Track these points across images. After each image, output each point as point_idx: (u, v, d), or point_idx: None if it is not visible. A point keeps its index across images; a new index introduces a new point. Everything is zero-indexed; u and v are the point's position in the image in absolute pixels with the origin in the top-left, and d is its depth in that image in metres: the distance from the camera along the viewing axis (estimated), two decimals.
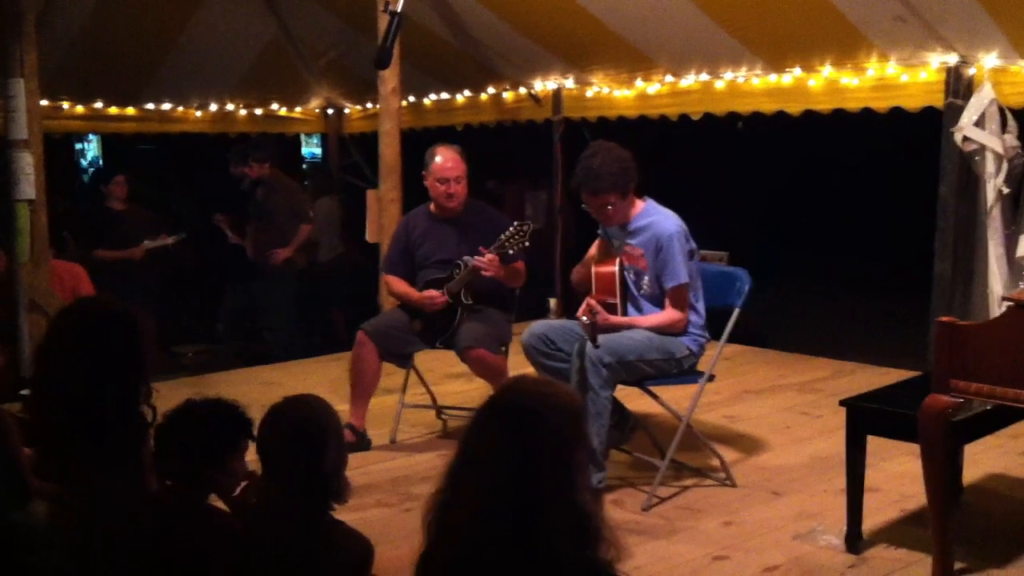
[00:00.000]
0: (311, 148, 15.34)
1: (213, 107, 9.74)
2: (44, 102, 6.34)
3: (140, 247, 8.20)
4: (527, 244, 5.17)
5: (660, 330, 4.60)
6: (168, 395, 3.10)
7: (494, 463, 2.09)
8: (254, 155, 8.46)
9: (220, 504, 3.00)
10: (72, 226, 8.10)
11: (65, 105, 8.90)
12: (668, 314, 4.62)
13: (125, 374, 2.93)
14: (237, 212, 8.68)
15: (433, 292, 5.30)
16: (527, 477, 2.05)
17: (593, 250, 4.98)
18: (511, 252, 5.17)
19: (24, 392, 5.34)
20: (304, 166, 14.57)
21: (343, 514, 2.82)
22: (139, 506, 2.80)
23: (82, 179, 15.07)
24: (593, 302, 4.47)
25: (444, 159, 5.39)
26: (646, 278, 4.68)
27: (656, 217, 4.69)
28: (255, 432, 2.91)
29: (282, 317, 8.58)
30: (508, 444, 2.09)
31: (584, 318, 4.38)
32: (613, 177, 4.55)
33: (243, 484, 2.99)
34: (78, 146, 15.49)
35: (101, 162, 15.32)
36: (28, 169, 5.86)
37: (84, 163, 15.82)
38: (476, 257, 5.13)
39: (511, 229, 5.15)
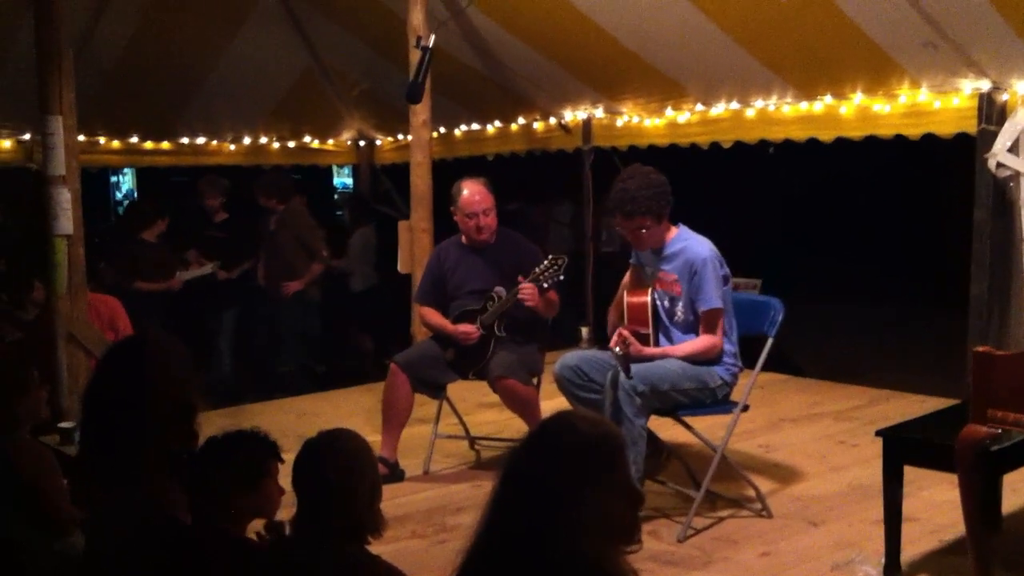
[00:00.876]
0: (342, 179, 15.47)
1: (247, 140, 9.85)
2: (81, 137, 6.42)
3: (177, 279, 8.28)
4: (562, 278, 5.17)
5: (694, 358, 4.58)
6: (205, 424, 3.13)
7: (530, 494, 2.08)
8: (259, 189, 8.50)
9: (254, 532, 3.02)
10: (109, 258, 8.19)
11: (101, 140, 9.04)
12: (702, 340, 4.61)
13: (173, 411, 2.98)
14: (207, 244, 8.72)
15: (468, 327, 5.31)
16: (562, 509, 2.05)
17: (625, 280, 4.99)
18: (545, 285, 5.18)
19: (64, 425, 5.41)
20: (336, 196, 14.66)
21: (378, 546, 2.82)
22: (155, 525, 2.83)
23: (117, 211, 15.27)
24: (625, 332, 4.47)
25: (471, 193, 5.41)
26: (680, 304, 4.66)
27: (690, 242, 4.69)
28: (282, 454, 2.95)
29: (293, 345, 8.60)
30: (545, 477, 2.08)
31: (617, 349, 4.37)
32: (648, 201, 4.56)
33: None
34: (113, 179, 15.70)
35: (136, 194, 15.52)
36: (66, 204, 5.93)
37: (119, 195, 16.03)
38: (520, 288, 5.15)
39: (546, 262, 5.17)
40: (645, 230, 4.62)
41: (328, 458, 2.72)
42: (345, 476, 2.68)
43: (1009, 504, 4.50)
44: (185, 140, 9.50)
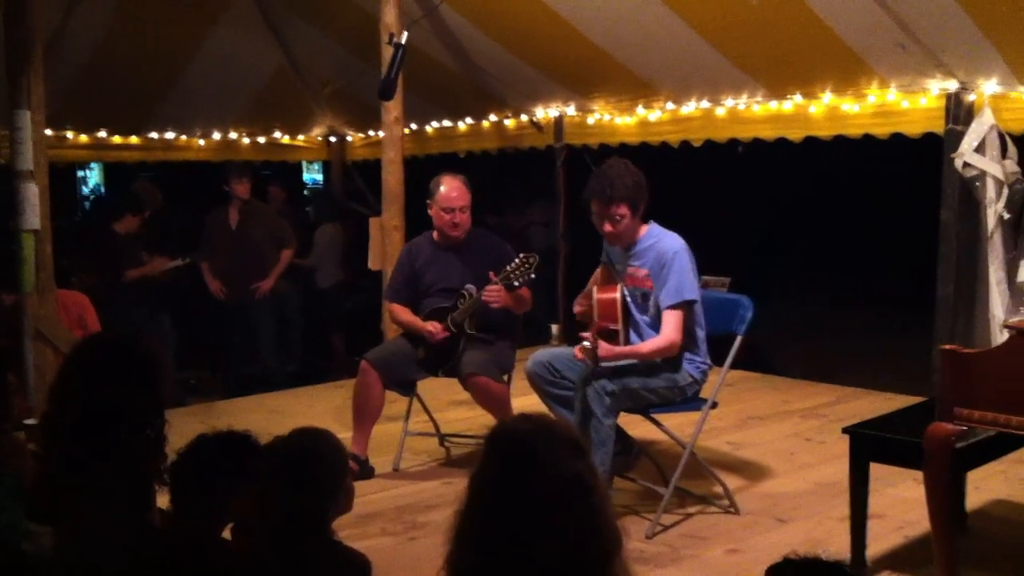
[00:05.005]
0: (312, 174, 15.43)
1: (217, 136, 9.79)
2: (48, 132, 6.37)
3: (157, 262, 8.13)
4: (533, 276, 5.18)
5: (655, 356, 4.58)
6: (176, 423, 3.10)
7: (505, 509, 2.08)
8: (236, 172, 8.36)
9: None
10: (86, 255, 8.05)
11: (69, 135, 8.96)
12: (663, 338, 4.54)
13: (141, 410, 2.94)
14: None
15: (435, 325, 5.31)
16: (540, 519, 2.05)
17: (596, 275, 4.99)
18: (516, 284, 5.18)
19: (30, 422, 5.35)
20: (305, 192, 14.59)
21: (347, 543, 2.81)
22: (141, 540, 2.80)
23: (83, 207, 15.15)
24: (588, 336, 4.43)
25: (449, 188, 5.41)
26: (652, 299, 4.67)
27: (661, 237, 4.70)
28: None
29: (269, 349, 8.55)
30: (516, 492, 2.08)
31: (587, 343, 4.38)
32: (627, 189, 4.56)
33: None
34: (80, 173, 15.58)
35: (103, 189, 15.42)
36: (33, 200, 5.87)
37: (86, 190, 15.92)
38: (486, 289, 5.15)
39: (517, 261, 5.17)
40: (620, 219, 4.60)
41: (297, 461, 2.69)
42: (314, 481, 2.65)
43: (972, 502, 4.57)
44: (155, 135, 9.43)
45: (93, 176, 15.91)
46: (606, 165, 4.67)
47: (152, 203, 8.46)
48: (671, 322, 4.56)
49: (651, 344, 4.60)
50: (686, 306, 4.58)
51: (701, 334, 4.72)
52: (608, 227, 4.66)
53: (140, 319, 7.73)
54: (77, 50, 7.96)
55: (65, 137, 8.90)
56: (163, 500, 2.96)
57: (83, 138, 9.12)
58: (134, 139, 9.40)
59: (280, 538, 2.64)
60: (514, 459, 2.12)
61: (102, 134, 9.17)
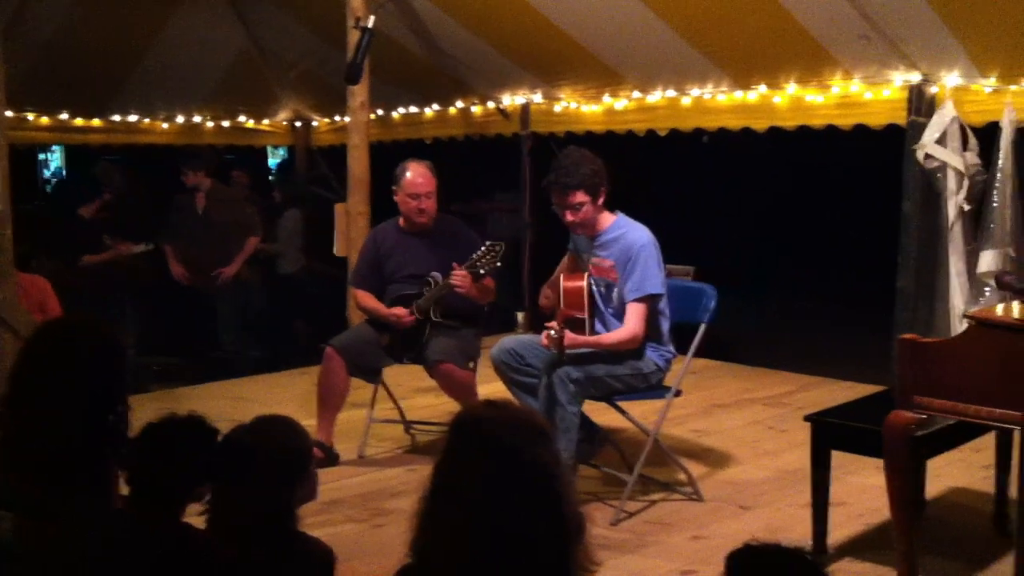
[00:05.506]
0: (276, 159, 15.31)
1: (180, 119, 9.70)
2: (9, 113, 6.28)
3: (120, 247, 8.08)
4: (499, 264, 5.17)
5: (617, 348, 4.59)
6: (139, 409, 3.07)
7: (470, 495, 2.09)
8: (189, 163, 8.30)
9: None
10: (48, 239, 7.96)
11: (30, 116, 8.84)
12: (625, 330, 4.57)
13: (103, 395, 2.92)
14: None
15: (401, 310, 5.30)
16: (504, 505, 2.06)
17: (563, 263, 5.00)
18: (482, 272, 5.17)
19: None
20: (270, 177, 14.49)
21: (313, 531, 2.81)
22: (116, 527, 2.78)
23: (45, 190, 14.97)
24: (554, 326, 4.43)
25: (415, 175, 5.39)
26: (616, 290, 4.68)
27: (628, 229, 4.70)
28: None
29: (233, 334, 8.51)
30: (481, 478, 2.09)
31: (552, 332, 4.38)
32: (584, 177, 4.56)
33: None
34: (41, 156, 15.39)
35: (64, 172, 15.23)
36: None
37: (47, 173, 15.72)
38: (453, 274, 5.13)
39: (483, 249, 5.15)
40: (581, 206, 4.59)
41: (264, 448, 2.69)
42: (280, 469, 2.65)
43: (932, 489, 4.63)
44: (117, 118, 9.33)
45: (55, 159, 15.71)
46: (562, 155, 4.68)
47: (113, 185, 8.38)
48: (634, 315, 4.58)
49: (614, 336, 4.61)
50: (650, 300, 4.60)
51: (666, 324, 4.74)
52: (569, 216, 4.66)
53: (102, 304, 7.67)
54: (38, 30, 7.86)
55: (26, 119, 8.79)
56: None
57: (44, 120, 9.00)
58: (96, 122, 9.30)
59: (244, 529, 2.64)
60: (478, 446, 2.13)
61: (64, 116, 9.06)
